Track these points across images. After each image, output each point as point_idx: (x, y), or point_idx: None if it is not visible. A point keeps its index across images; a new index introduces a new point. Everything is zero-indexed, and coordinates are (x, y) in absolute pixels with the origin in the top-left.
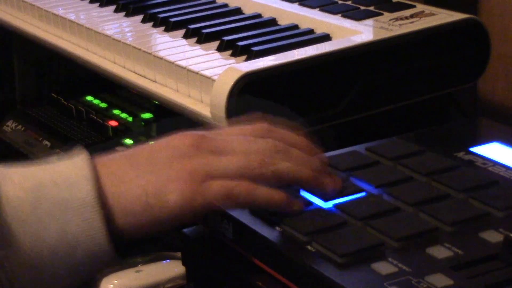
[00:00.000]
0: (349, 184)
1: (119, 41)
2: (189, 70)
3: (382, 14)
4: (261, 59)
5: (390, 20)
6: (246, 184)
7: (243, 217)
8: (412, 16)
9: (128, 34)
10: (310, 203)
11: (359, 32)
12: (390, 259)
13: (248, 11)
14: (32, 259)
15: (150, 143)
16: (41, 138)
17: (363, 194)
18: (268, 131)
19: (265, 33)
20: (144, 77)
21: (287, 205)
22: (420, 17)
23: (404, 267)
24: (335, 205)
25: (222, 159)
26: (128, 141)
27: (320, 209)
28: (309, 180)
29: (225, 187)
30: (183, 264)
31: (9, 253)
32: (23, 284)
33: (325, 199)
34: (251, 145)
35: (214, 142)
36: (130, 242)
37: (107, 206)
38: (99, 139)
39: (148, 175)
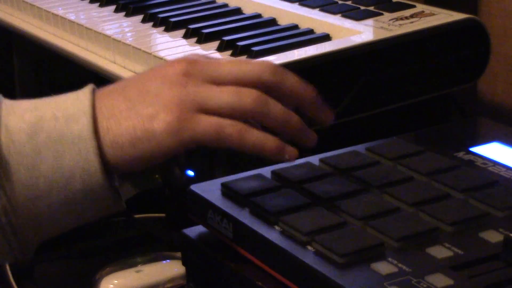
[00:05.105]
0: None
1: (119, 41)
2: None
3: (382, 14)
4: (261, 59)
5: (390, 20)
6: (239, 125)
7: (243, 217)
8: (412, 16)
9: (128, 34)
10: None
11: (359, 32)
12: (390, 259)
13: (248, 11)
14: (28, 190)
15: (144, 72)
16: None
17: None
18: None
19: (265, 33)
20: None
21: (279, 154)
22: (420, 17)
23: (404, 267)
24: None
25: (214, 90)
26: None
27: (320, 208)
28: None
29: (216, 125)
30: (183, 264)
31: (5, 182)
32: (21, 220)
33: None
34: (245, 73)
35: (206, 68)
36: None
37: (99, 140)
38: None
39: (138, 107)
